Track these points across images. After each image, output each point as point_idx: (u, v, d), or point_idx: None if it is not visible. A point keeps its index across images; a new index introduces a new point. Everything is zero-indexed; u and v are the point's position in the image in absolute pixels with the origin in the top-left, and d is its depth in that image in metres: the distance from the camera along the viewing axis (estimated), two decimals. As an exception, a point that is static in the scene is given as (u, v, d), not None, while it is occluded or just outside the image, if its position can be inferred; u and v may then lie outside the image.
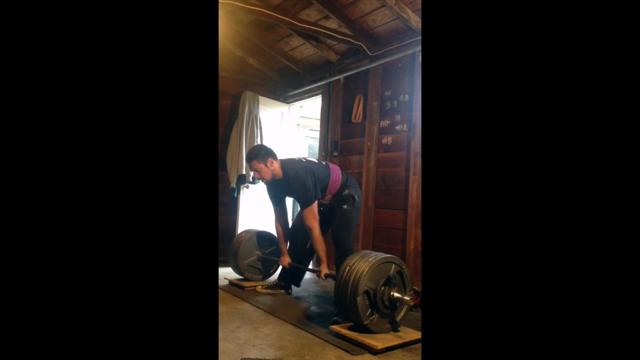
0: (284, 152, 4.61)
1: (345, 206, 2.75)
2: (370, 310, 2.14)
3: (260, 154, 2.76)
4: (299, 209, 3.10)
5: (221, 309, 2.62)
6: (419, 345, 2.11)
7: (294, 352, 1.96)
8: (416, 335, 2.17)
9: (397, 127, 3.41)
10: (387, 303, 2.16)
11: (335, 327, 2.21)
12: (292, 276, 3.12)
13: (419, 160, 3.13)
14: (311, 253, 3.11)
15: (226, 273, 3.66)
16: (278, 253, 3.13)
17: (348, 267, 2.18)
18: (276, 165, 2.79)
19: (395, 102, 3.46)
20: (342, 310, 2.23)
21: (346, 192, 2.78)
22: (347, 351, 2.00)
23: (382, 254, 2.25)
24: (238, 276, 3.47)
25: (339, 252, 2.74)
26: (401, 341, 2.08)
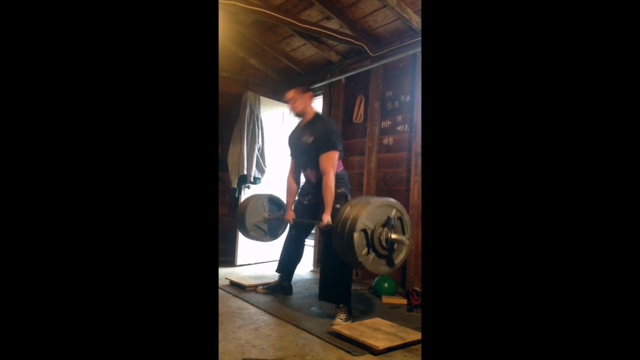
0: (285, 152, 4.61)
1: (337, 205, 2.67)
2: (366, 249, 2.13)
3: (301, 86, 2.80)
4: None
5: (222, 309, 2.62)
6: (420, 346, 2.11)
7: (294, 353, 1.96)
8: (417, 336, 2.17)
9: (399, 128, 3.41)
10: (384, 244, 2.14)
11: (336, 328, 2.21)
12: (289, 266, 3.14)
13: (420, 161, 3.13)
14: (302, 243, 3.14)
15: (227, 273, 3.66)
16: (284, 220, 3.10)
17: (349, 207, 2.18)
18: (310, 105, 2.78)
19: (397, 102, 3.46)
20: (339, 250, 2.21)
21: (340, 189, 2.67)
22: (348, 352, 2.00)
23: (385, 197, 2.25)
24: (238, 276, 3.46)
25: (326, 249, 2.64)
26: (402, 342, 2.08)
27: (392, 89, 3.52)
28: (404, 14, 3.07)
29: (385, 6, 3.09)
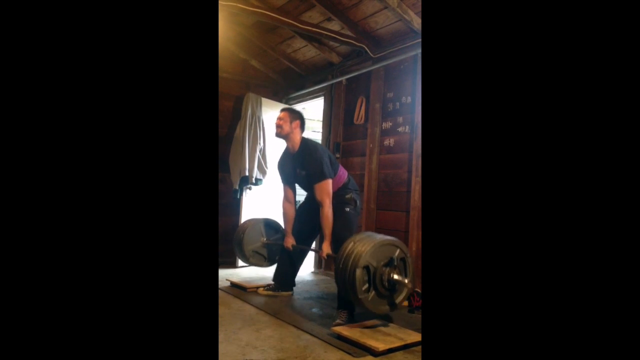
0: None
1: (347, 208, 2.73)
2: (367, 286, 2.12)
3: (294, 112, 2.84)
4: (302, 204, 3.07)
5: (223, 310, 2.62)
6: (421, 347, 2.11)
7: (295, 354, 1.96)
8: (418, 337, 2.17)
9: (399, 129, 3.41)
10: (385, 283, 2.15)
11: (337, 329, 2.21)
12: (286, 277, 3.12)
13: (421, 162, 3.13)
14: (303, 251, 3.12)
15: (228, 274, 3.66)
16: (283, 241, 3.10)
17: (352, 243, 2.18)
18: (297, 133, 2.80)
19: (398, 103, 3.46)
20: (339, 285, 2.20)
21: (349, 195, 2.76)
22: (349, 353, 1.99)
23: (389, 237, 2.26)
24: (239, 277, 3.47)
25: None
26: (402, 343, 2.08)
27: (393, 90, 3.52)
28: (405, 16, 3.08)
29: (386, 7, 3.10)
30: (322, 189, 2.64)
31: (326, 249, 2.62)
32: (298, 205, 3.14)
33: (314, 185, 2.68)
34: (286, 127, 2.77)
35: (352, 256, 2.11)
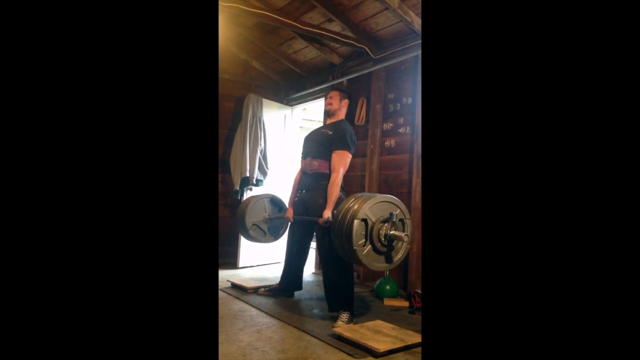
0: (287, 154, 4.62)
1: (334, 211, 2.64)
2: (364, 240, 2.12)
3: (343, 91, 2.93)
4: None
5: (223, 311, 2.62)
6: (421, 348, 2.10)
7: (296, 355, 1.96)
8: (418, 338, 2.16)
9: (400, 130, 3.41)
10: (382, 239, 2.14)
11: (337, 330, 2.21)
12: (293, 281, 3.11)
13: (421, 163, 3.13)
14: (305, 256, 3.10)
15: (229, 275, 3.66)
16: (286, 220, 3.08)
17: (353, 199, 2.18)
18: (344, 112, 2.87)
19: (398, 104, 3.46)
20: (335, 241, 2.20)
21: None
22: (349, 354, 1.99)
23: (391, 195, 2.26)
24: (240, 278, 3.46)
25: (322, 259, 2.64)
26: (403, 344, 2.07)
27: (394, 91, 3.52)
28: (405, 17, 3.08)
29: (387, 8, 3.10)
30: (341, 158, 2.63)
31: (326, 214, 2.51)
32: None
33: (334, 150, 2.66)
34: (335, 104, 2.83)
35: (351, 210, 2.12)
